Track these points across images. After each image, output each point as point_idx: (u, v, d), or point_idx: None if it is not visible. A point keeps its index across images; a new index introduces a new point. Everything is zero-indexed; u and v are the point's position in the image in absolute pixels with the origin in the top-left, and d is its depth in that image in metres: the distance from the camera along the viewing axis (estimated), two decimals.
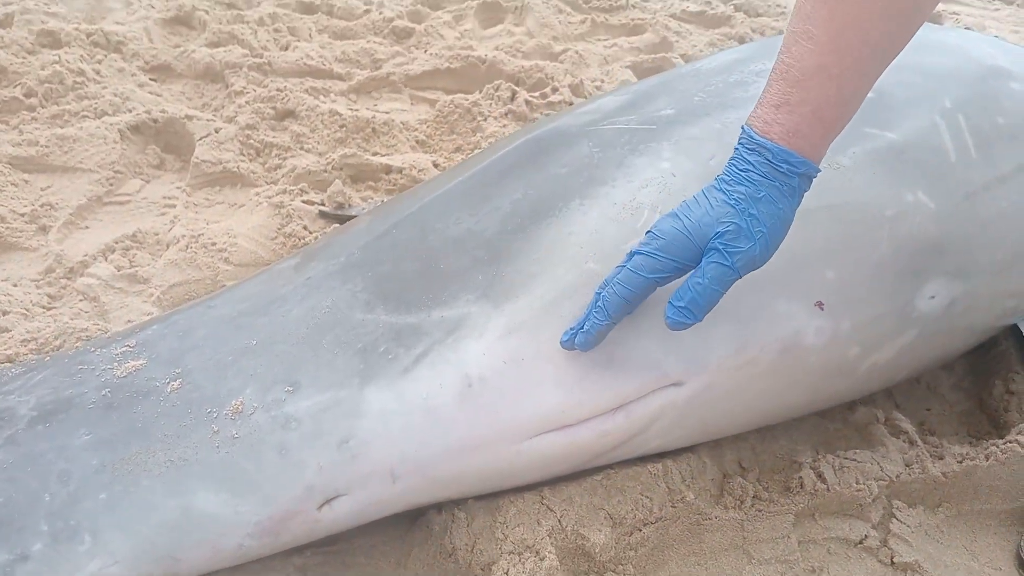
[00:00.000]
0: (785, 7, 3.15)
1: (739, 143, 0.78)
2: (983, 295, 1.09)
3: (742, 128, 0.79)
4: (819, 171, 0.78)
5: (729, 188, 0.77)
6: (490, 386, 0.83)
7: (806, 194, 0.83)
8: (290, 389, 0.80)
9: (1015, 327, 1.25)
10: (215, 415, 0.78)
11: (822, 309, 0.94)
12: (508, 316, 0.86)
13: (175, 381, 0.82)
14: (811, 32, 0.74)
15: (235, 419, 0.78)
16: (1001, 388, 1.16)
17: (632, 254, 0.79)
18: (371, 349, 0.84)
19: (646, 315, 0.88)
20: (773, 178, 0.76)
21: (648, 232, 0.79)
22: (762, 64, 1.24)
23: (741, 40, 2.82)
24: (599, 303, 0.80)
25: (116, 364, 0.86)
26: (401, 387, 0.81)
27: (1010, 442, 1.01)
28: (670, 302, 0.76)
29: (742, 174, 0.77)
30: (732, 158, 0.79)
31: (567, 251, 0.91)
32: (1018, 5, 3.75)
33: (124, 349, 0.89)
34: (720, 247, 0.75)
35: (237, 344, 0.86)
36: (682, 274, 0.78)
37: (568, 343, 0.82)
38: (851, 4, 0.73)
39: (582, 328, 0.81)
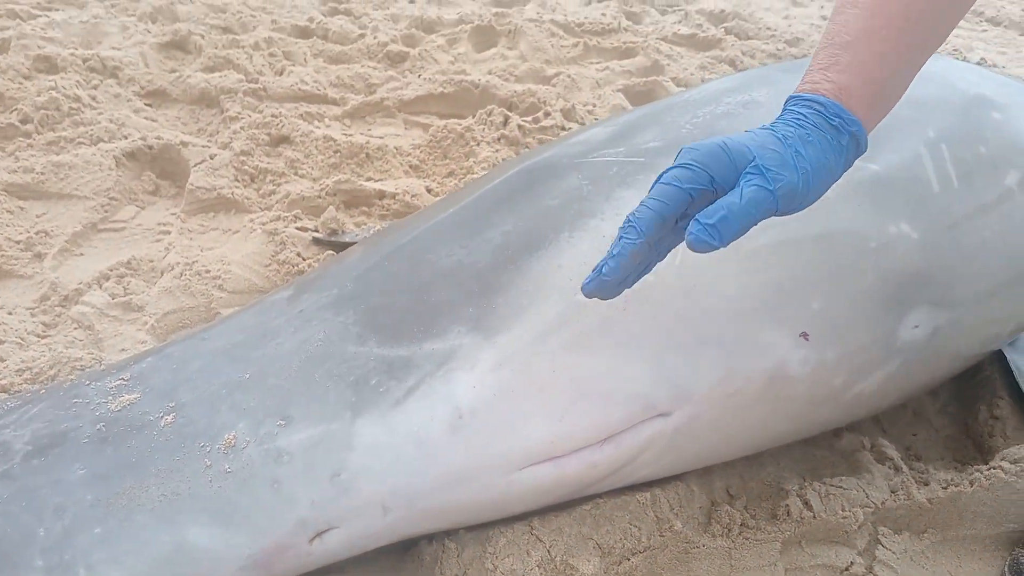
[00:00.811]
0: (774, 30, 3.19)
1: (787, 105, 0.77)
2: (967, 323, 1.10)
3: (787, 98, 0.77)
4: (867, 141, 0.76)
5: (776, 127, 0.74)
6: (480, 418, 0.84)
7: (791, 225, 0.84)
8: (282, 423, 0.81)
9: (1000, 353, 1.27)
10: (208, 449, 0.79)
11: (807, 339, 0.95)
12: (498, 348, 0.88)
13: (169, 415, 0.83)
14: (857, 0, 0.77)
15: (228, 453, 0.79)
16: (986, 413, 1.17)
17: (662, 174, 0.73)
18: (363, 382, 0.85)
19: (633, 347, 0.90)
20: (824, 129, 0.73)
21: (683, 149, 0.73)
22: (749, 95, 1.26)
23: (731, 63, 2.86)
24: (629, 222, 0.71)
25: (111, 398, 0.87)
26: (392, 420, 0.82)
27: (994, 468, 1.02)
28: (696, 219, 0.67)
29: (793, 119, 0.74)
30: (781, 115, 0.76)
31: (556, 283, 0.93)
32: (1005, 26, 3.80)
33: (119, 383, 0.90)
34: (763, 171, 0.69)
35: (230, 377, 0.87)
36: (712, 200, 0.71)
37: (592, 283, 0.73)
38: None
39: (612, 254, 0.71)
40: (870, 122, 0.78)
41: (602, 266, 0.72)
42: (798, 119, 0.74)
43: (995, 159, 1.19)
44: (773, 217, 0.73)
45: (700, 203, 0.71)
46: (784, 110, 0.77)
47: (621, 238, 0.72)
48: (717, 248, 0.68)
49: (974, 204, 1.13)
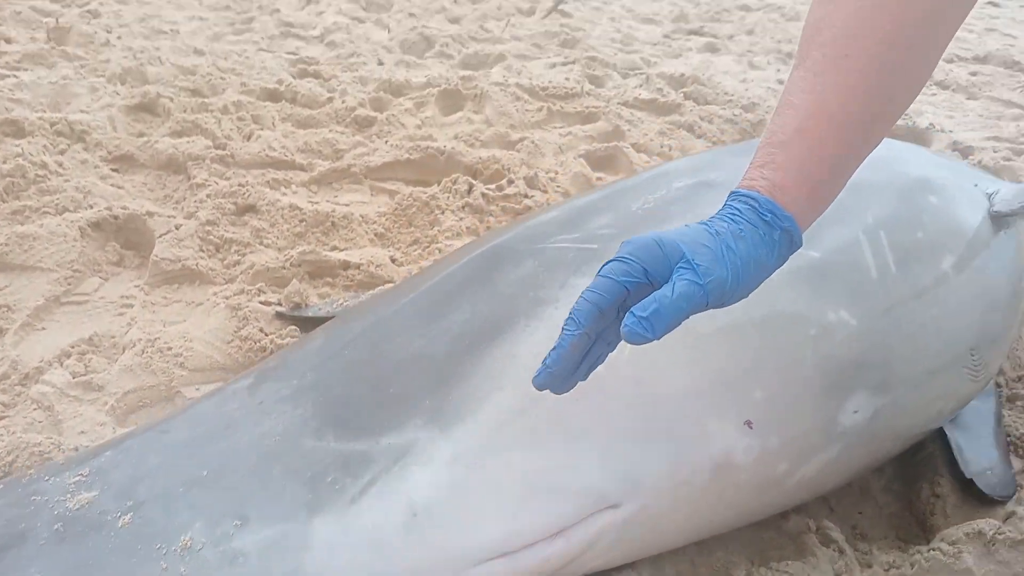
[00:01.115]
0: (732, 95, 3.29)
1: (727, 200, 0.81)
2: (906, 406, 1.15)
3: (728, 193, 0.82)
4: (801, 237, 0.80)
5: (710, 223, 0.78)
6: (435, 515, 0.86)
7: (735, 313, 0.88)
8: (239, 523, 0.83)
9: (941, 430, 1.32)
10: (164, 551, 0.80)
11: (751, 428, 0.99)
12: (454, 443, 0.90)
13: (127, 515, 0.84)
14: (793, 102, 0.82)
15: (184, 555, 0.80)
16: (928, 491, 1.22)
17: (602, 267, 0.78)
18: (319, 479, 0.87)
19: (585, 439, 0.93)
20: (757, 224, 0.77)
21: (622, 243, 0.78)
22: (698, 179, 1.31)
23: (690, 128, 2.94)
24: (570, 315, 0.75)
25: (69, 495, 0.88)
26: (348, 519, 0.84)
27: (933, 549, 1.06)
28: (631, 311, 0.71)
29: (728, 216, 0.79)
30: (720, 209, 0.81)
31: (512, 374, 0.96)
32: (953, 90, 3.95)
33: (78, 478, 0.91)
34: (693, 266, 0.74)
35: (188, 474, 0.89)
36: (648, 293, 0.75)
37: (541, 376, 0.77)
38: (829, 79, 0.81)
39: (554, 346, 0.76)
40: (806, 218, 0.82)
41: (547, 358, 0.77)
42: (733, 214, 0.79)
43: (932, 244, 1.25)
44: (713, 308, 0.77)
45: (637, 295, 0.76)
46: (724, 205, 0.81)
47: (563, 330, 0.76)
48: (651, 340, 0.72)
49: (911, 289, 1.18)
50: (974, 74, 4.17)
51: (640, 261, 0.75)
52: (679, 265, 0.74)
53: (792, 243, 0.80)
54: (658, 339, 0.72)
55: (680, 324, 0.73)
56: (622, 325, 0.72)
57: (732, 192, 0.82)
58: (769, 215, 0.78)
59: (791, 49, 4.12)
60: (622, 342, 0.81)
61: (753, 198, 0.79)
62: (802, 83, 0.83)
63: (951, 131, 3.25)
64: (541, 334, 1.00)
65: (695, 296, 0.73)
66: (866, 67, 0.82)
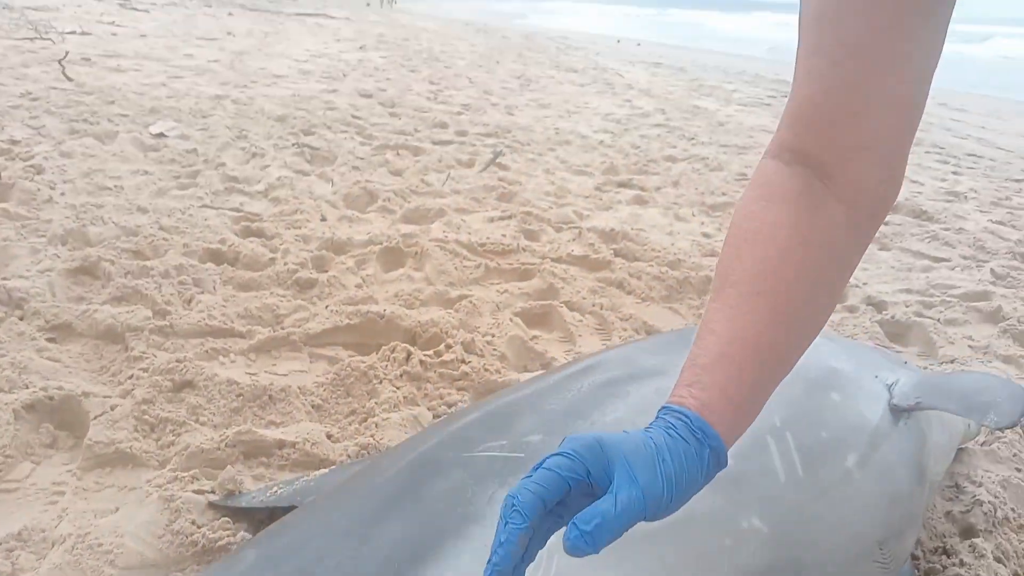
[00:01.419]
0: (659, 251, 3.47)
1: (659, 413, 0.85)
2: None
3: (661, 407, 0.86)
4: (727, 457, 0.84)
5: (648, 434, 0.82)
6: None
7: (654, 527, 0.94)
8: None
9: None
10: None
11: None
12: None
13: None
14: (714, 329, 0.89)
15: None
16: None
17: (544, 459, 0.79)
18: None
19: None
20: (689, 441, 0.81)
21: (565, 438, 0.81)
22: (612, 375, 1.40)
23: (619, 285, 3.08)
24: (513, 507, 0.76)
25: None
26: None
27: None
28: (574, 523, 0.74)
29: (664, 429, 0.82)
30: (655, 421, 0.85)
31: None
32: None
33: None
34: (634, 478, 0.76)
35: None
36: (587, 491, 0.78)
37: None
38: (744, 312, 0.89)
39: (499, 543, 0.75)
40: (731, 437, 0.87)
41: (492, 556, 0.77)
42: (668, 428, 0.83)
43: (835, 442, 1.34)
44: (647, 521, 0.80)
45: (576, 492, 0.79)
46: (657, 417, 0.86)
47: (507, 523, 0.77)
48: (593, 553, 0.75)
49: (817, 490, 1.26)
50: (886, 223, 4.45)
51: (583, 460, 0.78)
52: (619, 475, 0.77)
53: (719, 462, 0.84)
54: (596, 553, 0.75)
55: (620, 536, 0.76)
56: (564, 538, 0.75)
57: (665, 406, 0.87)
58: (700, 432, 0.82)
59: (714, 201, 4.37)
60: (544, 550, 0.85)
61: (685, 415, 0.83)
62: (720, 314, 0.91)
63: (866, 284, 3.46)
64: (467, 556, 1.04)
65: (636, 510, 0.76)
66: (776, 304, 0.91)
